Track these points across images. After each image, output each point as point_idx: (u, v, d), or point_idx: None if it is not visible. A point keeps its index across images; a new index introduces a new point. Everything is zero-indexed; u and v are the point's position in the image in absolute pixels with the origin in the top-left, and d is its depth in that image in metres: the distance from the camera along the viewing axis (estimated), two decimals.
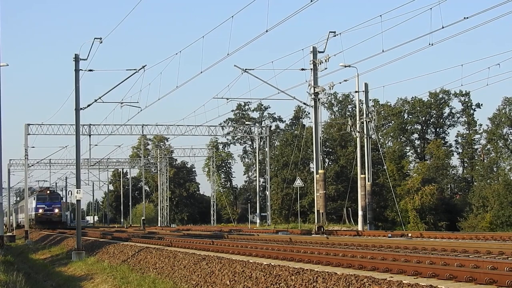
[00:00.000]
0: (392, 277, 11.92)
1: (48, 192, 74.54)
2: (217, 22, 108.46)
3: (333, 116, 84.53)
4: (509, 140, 74.11)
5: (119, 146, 79.70)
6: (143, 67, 31.96)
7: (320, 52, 36.25)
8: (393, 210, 61.49)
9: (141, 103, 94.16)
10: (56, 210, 72.77)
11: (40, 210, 71.86)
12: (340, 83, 38.83)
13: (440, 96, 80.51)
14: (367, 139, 42.87)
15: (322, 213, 35.80)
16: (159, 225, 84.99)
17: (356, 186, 42.93)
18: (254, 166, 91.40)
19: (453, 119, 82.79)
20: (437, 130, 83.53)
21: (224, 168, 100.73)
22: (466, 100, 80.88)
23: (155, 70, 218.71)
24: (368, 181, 42.59)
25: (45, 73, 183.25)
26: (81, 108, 32.23)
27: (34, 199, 73.58)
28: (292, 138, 76.79)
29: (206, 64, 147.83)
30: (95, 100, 34.98)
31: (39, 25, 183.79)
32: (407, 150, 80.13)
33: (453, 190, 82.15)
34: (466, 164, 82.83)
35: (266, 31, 28.67)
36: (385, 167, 58.46)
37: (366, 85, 42.65)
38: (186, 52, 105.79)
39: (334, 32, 35.12)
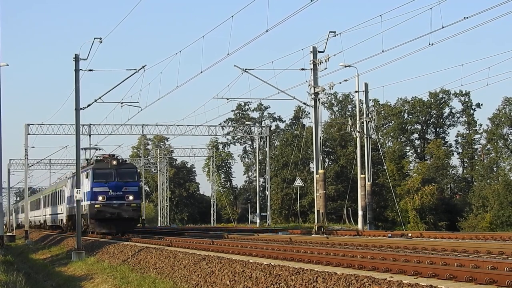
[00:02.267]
0: (392, 277, 11.92)
1: (115, 162, 38.72)
2: (217, 22, 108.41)
3: (333, 116, 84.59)
4: (509, 140, 74.16)
5: (119, 146, 79.43)
6: (143, 67, 31.96)
7: (320, 52, 36.23)
8: (393, 210, 61.51)
9: (141, 103, 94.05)
10: (131, 197, 37.98)
11: (100, 198, 37.42)
12: (340, 83, 38.82)
13: (440, 96, 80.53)
14: (367, 139, 42.86)
15: (322, 213, 35.79)
16: (159, 225, 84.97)
17: (356, 186, 42.91)
18: (254, 166, 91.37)
19: (453, 119, 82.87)
20: (437, 130, 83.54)
21: (224, 168, 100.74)
22: (466, 100, 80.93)
23: (155, 70, 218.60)
24: (368, 181, 42.59)
25: (45, 73, 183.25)
26: (81, 108, 32.25)
27: (87, 177, 38.72)
28: (292, 138, 76.80)
29: (206, 64, 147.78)
30: (95, 100, 34.99)
31: (39, 25, 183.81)
32: (407, 150, 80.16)
33: (453, 190, 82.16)
34: (466, 164, 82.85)
35: (266, 30, 28.65)
36: (385, 167, 58.48)
37: (366, 85, 42.64)
38: (186, 52, 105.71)
39: (334, 32, 35.09)
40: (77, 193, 31.70)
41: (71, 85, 32.89)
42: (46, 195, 62.16)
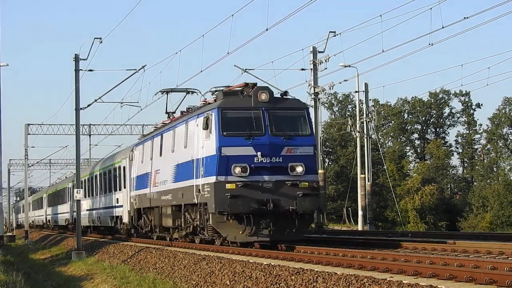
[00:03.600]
0: (392, 277, 11.92)
1: (264, 96, 19.15)
2: (217, 21, 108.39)
3: (333, 116, 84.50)
4: (509, 140, 74.20)
5: (119, 146, 79.37)
6: (143, 67, 31.85)
7: (320, 52, 36.22)
8: (393, 210, 61.49)
9: (141, 102, 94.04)
10: (300, 169, 18.96)
11: (237, 169, 18.62)
12: (340, 83, 38.84)
13: (440, 96, 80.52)
14: (367, 139, 42.86)
15: (323, 213, 35.78)
16: None
17: (356, 186, 42.91)
18: None
19: (453, 119, 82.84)
20: (437, 130, 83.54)
21: None
22: (466, 100, 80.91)
23: (155, 69, 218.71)
24: (368, 181, 42.58)
25: (45, 73, 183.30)
26: (81, 108, 32.19)
27: (205, 127, 19.18)
28: None
29: (206, 63, 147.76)
30: (95, 100, 34.96)
31: (39, 25, 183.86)
32: (407, 150, 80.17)
33: (453, 190, 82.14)
34: (466, 164, 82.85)
35: (266, 29, 28.59)
36: (385, 167, 58.43)
37: (366, 85, 42.65)
38: (186, 51, 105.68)
39: (334, 32, 35.08)
40: (77, 193, 31.04)
41: (71, 85, 32.90)
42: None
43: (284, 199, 18.75)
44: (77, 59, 31.56)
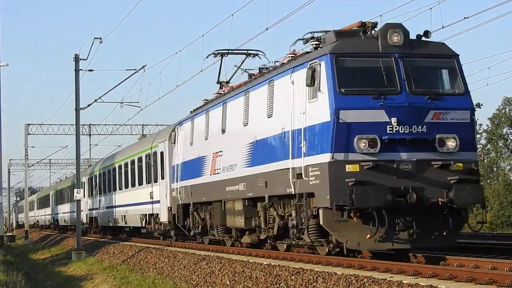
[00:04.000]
0: (392, 277, 11.91)
1: (396, 38, 13.30)
2: (217, 21, 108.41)
3: None
4: (509, 140, 74.19)
5: (119, 146, 79.44)
6: (143, 67, 31.91)
7: None
8: None
9: (141, 102, 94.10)
10: (452, 143, 13.17)
11: (362, 144, 12.92)
12: None
13: None
14: None
15: None
16: None
17: None
18: None
19: None
20: None
21: None
22: None
23: (155, 69, 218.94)
24: None
25: (45, 73, 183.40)
26: (81, 108, 32.23)
27: (311, 82, 13.17)
28: None
29: (206, 63, 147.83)
30: (95, 100, 35.07)
31: (39, 25, 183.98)
32: None
33: None
34: None
35: (266, 29, 28.51)
36: None
37: None
38: (186, 51, 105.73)
39: None
40: (77, 193, 30.72)
41: (71, 85, 32.99)
42: (98, 173, 37.66)
43: (431, 188, 13.24)
44: (77, 59, 31.59)
